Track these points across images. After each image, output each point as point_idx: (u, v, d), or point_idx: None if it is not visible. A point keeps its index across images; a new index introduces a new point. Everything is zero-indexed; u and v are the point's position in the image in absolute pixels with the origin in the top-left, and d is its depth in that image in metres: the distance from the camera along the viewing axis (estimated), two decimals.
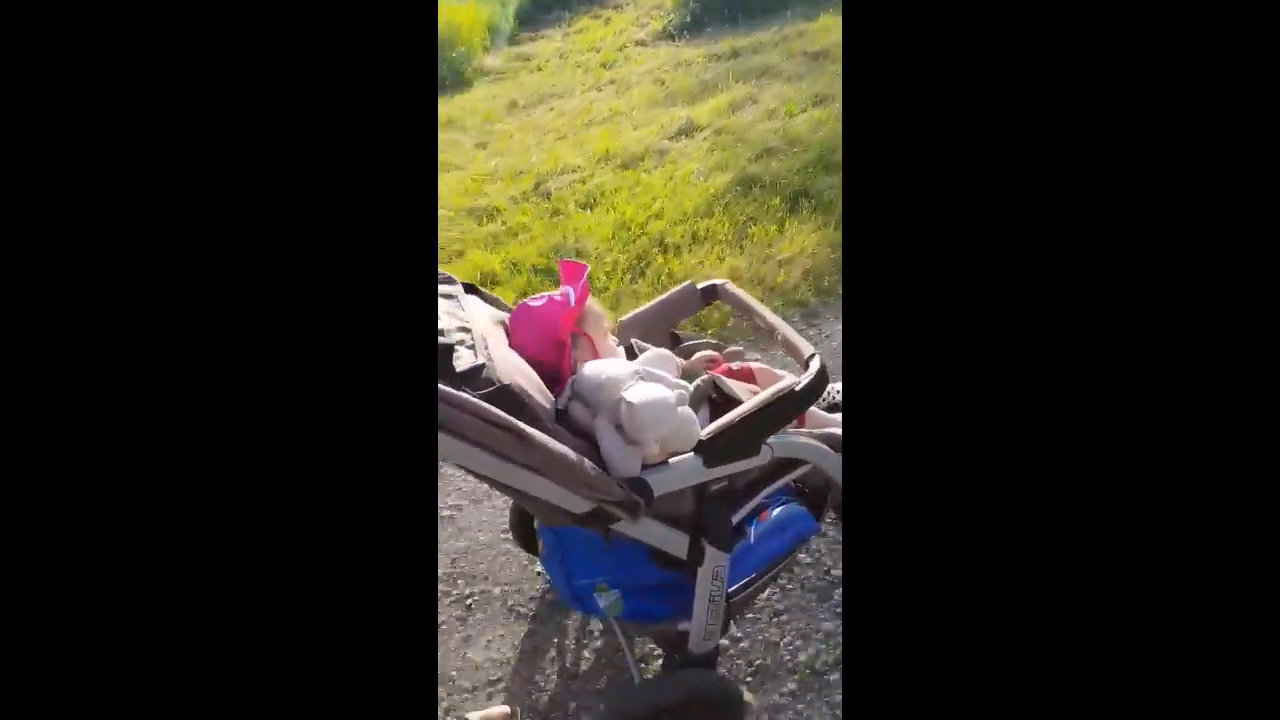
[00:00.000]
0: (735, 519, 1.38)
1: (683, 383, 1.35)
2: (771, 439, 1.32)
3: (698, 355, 1.70)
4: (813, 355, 1.36)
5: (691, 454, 1.27)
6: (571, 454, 1.15)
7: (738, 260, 3.41)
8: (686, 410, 1.26)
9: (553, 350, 1.42)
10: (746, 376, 1.60)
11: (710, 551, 1.34)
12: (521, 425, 1.10)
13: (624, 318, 1.75)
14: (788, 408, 1.31)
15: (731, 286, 1.72)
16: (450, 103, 6.89)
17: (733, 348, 1.78)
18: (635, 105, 5.91)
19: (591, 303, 1.52)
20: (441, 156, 5.56)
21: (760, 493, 1.40)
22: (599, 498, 1.20)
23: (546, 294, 1.48)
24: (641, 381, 1.28)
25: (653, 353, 1.50)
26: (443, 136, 6.03)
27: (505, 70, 7.90)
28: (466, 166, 5.32)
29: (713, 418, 1.36)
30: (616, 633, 1.72)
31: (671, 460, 1.27)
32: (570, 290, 1.47)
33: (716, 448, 1.27)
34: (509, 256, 3.81)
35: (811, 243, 3.44)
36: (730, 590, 1.42)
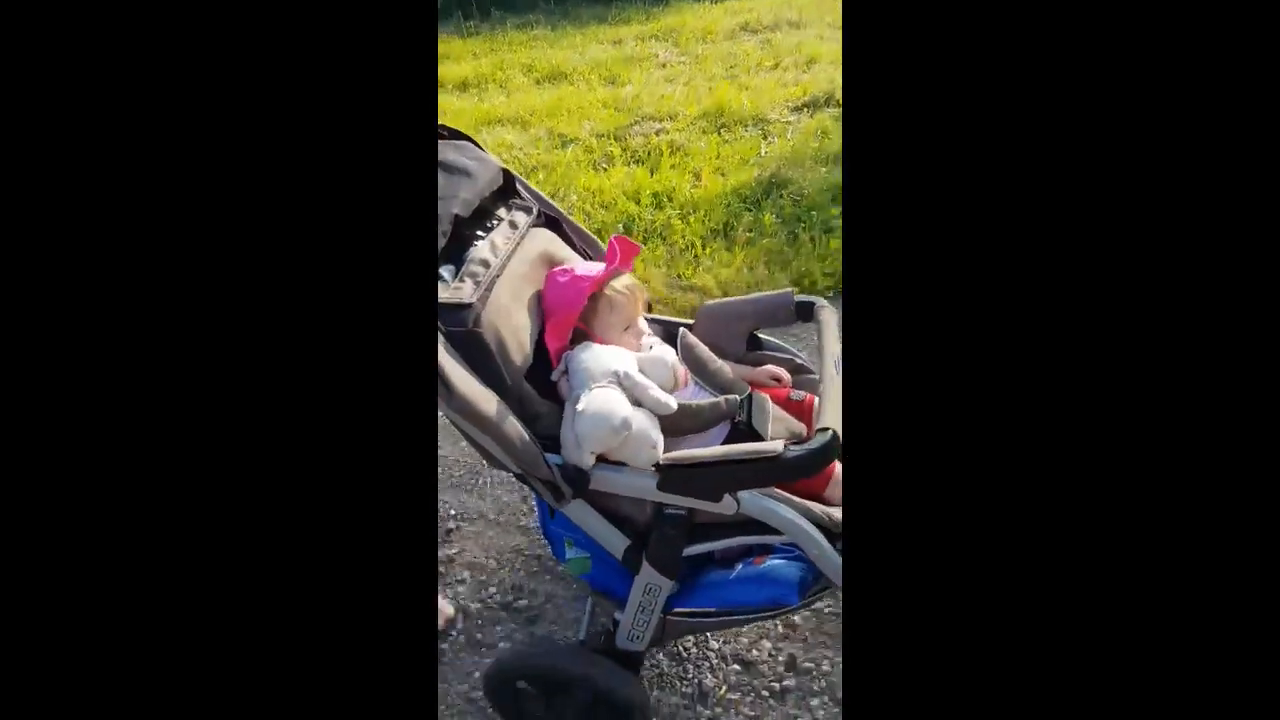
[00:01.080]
0: (692, 551, 1.28)
1: (663, 398, 1.26)
2: (745, 494, 1.20)
3: (763, 368, 1.56)
4: (826, 430, 1.16)
5: (652, 468, 1.23)
6: (496, 417, 1.15)
7: (644, 275, 3.08)
8: (637, 433, 1.20)
9: (546, 327, 1.37)
10: (805, 411, 1.47)
11: (647, 568, 1.28)
12: (451, 375, 1.09)
13: (708, 303, 1.65)
14: (761, 470, 1.16)
15: (829, 312, 1.50)
16: (692, 11, 6.66)
17: (813, 375, 1.59)
18: (831, 55, 5.25)
19: (617, 292, 1.40)
20: (612, 71, 5.52)
21: (727, 538, 1.28)
22: (524, 469, 1.20)
23: (572, 271, 1.40)
24: (610, 388, 1.23)
25: (652, 355, 1.38)
26: (642, 48, 5.95)
27: None
28: (623, 85, 5.24)
29: (730, 439, 1.31)
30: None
31: (630, 464, 1.23)
32: (598, 269, 1.40)
33: (671, 476, 1.20)
34: None
35: (721, 279, 2.98)
36: (679, 610, 1.34)
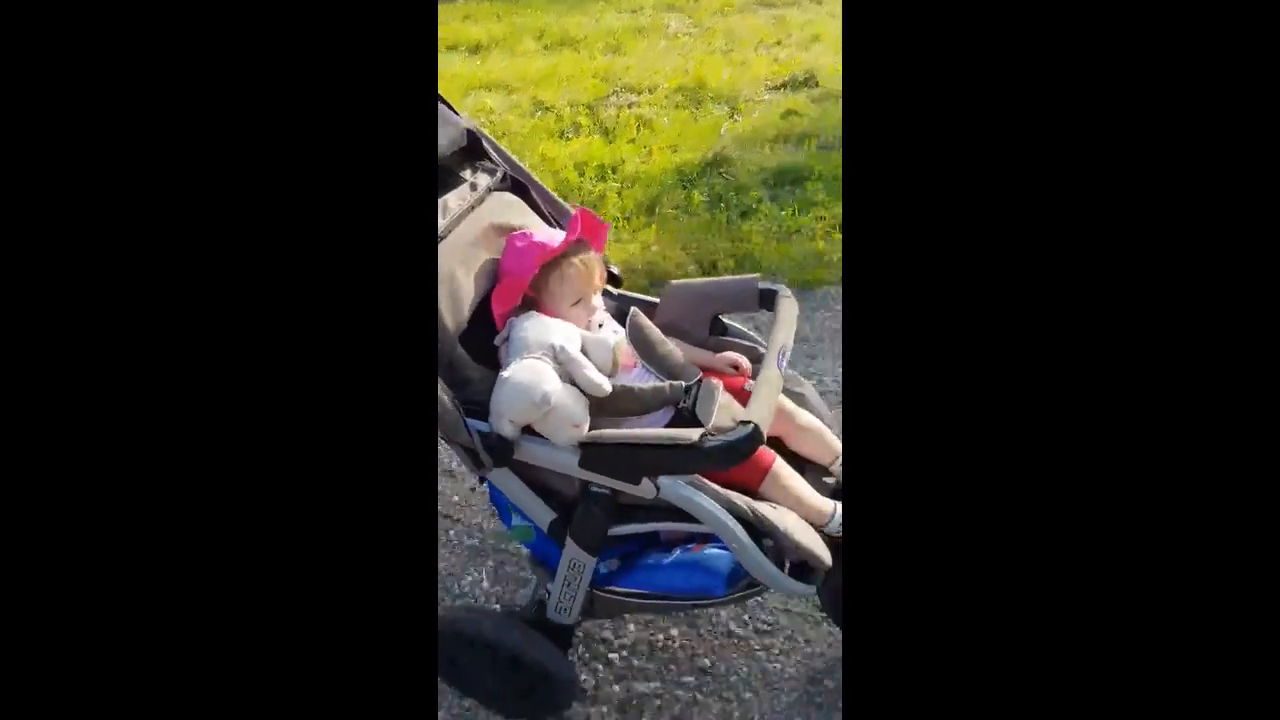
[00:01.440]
0: (618, 531, 1.30)
1: (596, 379, 1.24)
2: (665, 480, 1.20)
3: (723, 355, 1.52)
4: (748, 423, 1.15)
5: (576, 444, 1.24)
6: None
7: None
8: (560, 411, 1.20)
9: (494, 291, 1.38)
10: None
11: (570, 543, 1.30)
12: None
13: (673, 282, 1.62)
14: (676, 457, 1.17)
15: (789, 302, 1.46)
16: None
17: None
18: (836, 34, 5.18)
19: (570, 264, 1.38)
20: (618, 39, 5.56)
21: (655, 521, 1.29)
22: (444, 434, 1.21)
23: (531, 237, 1.40)
24: (542, 360, 1.23)
25: (596, 336, 1.36)
26: (656, 18, 5.96)
27: None
28: (627, 54, 5.29)
29: (672, 425, 1.30)
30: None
31: (556, 439, 1.25)
32: (554, 239, 1.39)
33: (590, 455, 1.21)
34: None
35: (628, 254, 3.06)
36: (609, 588, 1.35)
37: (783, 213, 3.14)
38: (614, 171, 3.67)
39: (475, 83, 4.95)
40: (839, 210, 3.12)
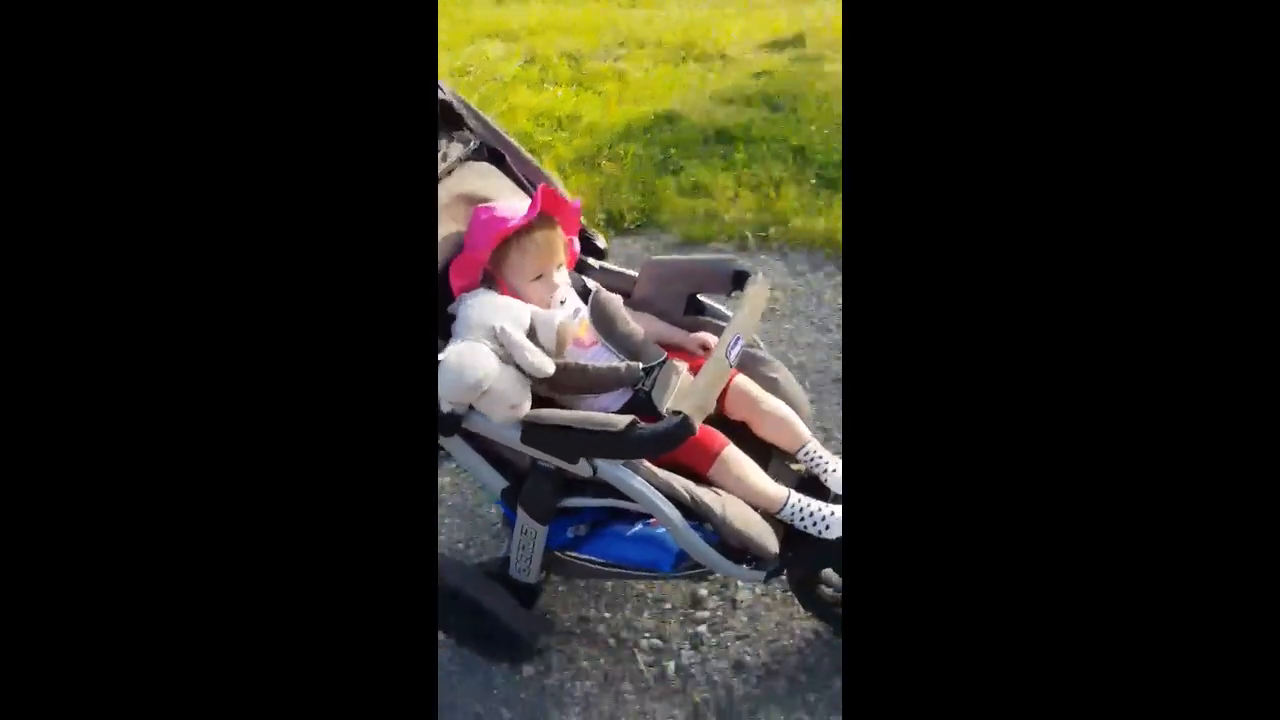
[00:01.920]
0: (568, 503, 1.33)
1: (537, 361, 1.24)
2: (601, 461, 1.23)
3: (695, 336, 1.52)
4: (678, 414, 1.15)
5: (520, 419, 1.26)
6: None
7: None
8: (496, 393, 1.22)
9: (453, 264, 1.38)
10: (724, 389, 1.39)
11: (520, 511, 1.34)
12: None
13: (653, 258, 1.62)
14: (604, 442, 1.19)
15: (758, 287, 1.43)
16: None
17: (756, 351, 1.55)
18: None
19: (530, 239, 1.38)
20: None
21: (603, 496, 1.30)
22: None
23: (493, 211, 1.38)
24: (481, 343, 1.24)
25: (544, 314, 1.35)
26: None
27: None
28: (644, 8, 5.31)
29: (628, 406, 1.33)
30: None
31: (493, 418, 1.27)
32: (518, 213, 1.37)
33: (529, 432, 1.25)
34: None
35: None
36: (571, 553, 1.39)
37: (701, 169, 3.16)
38: (568, 123, 3.74)
39: (483, 30, 5.07)
40: (757, 171, 3.11)
